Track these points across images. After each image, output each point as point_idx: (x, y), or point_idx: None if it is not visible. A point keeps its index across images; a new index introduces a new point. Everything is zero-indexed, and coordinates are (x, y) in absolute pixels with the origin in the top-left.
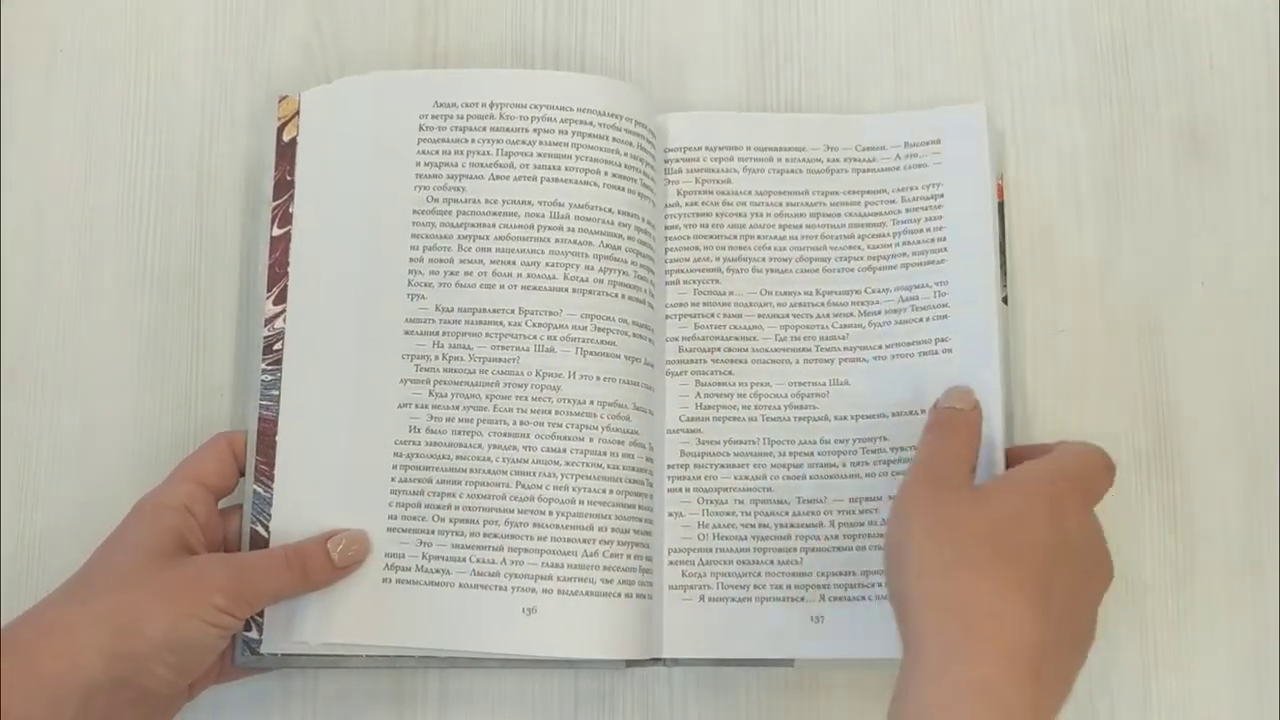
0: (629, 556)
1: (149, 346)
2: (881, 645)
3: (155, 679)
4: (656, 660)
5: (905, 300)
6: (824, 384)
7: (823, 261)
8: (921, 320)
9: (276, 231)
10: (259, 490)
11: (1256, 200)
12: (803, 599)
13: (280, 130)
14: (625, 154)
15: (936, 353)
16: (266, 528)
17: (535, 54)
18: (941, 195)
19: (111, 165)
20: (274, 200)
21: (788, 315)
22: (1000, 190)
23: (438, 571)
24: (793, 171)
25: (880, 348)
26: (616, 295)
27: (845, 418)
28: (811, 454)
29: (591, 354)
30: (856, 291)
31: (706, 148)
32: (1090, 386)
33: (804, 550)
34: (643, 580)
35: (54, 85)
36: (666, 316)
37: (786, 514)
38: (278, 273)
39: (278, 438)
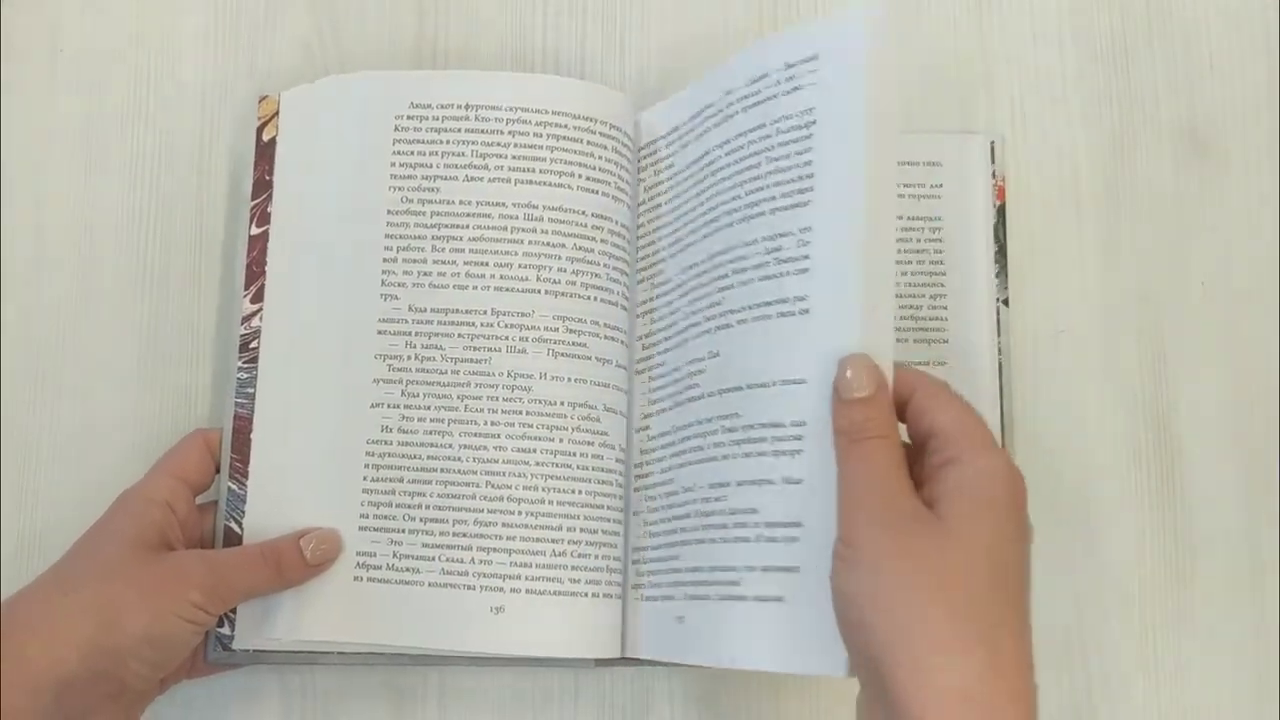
0: (597, 557)
1: (148, 346)
2: (726, 652)
3: (131, 673)
4: (626, 660)
5: (770, 252)
6: (703, 358)
7: (714, 222)
8: (783, 275)
9: (255, 231)
10: (233, 487)
11: (1256, 200)
12: (671, 598)
13: (260, 130)
14: (600, 157)
15: (794, 314)
16: (240, 524)
17: (535, 54)
18: (813, 122)
19: (111, 165)
20: (253, 199)
21: (694, 289)
22: (1001, 192)
23: (408, 570)
24: (710, 129)
25: (744, 309)
26: (589, 298)
27: (713, 394)
28: (690, 437)
29: (563, 355)
30: (733, 248)
31: (663, 136)
32: (1090, 386)
33: (681, 544)
34: (610, 580)
35: (54, 85)
36: (637, 315)
37: (681, 505)
38: (255, 271)
39: (252, 435)
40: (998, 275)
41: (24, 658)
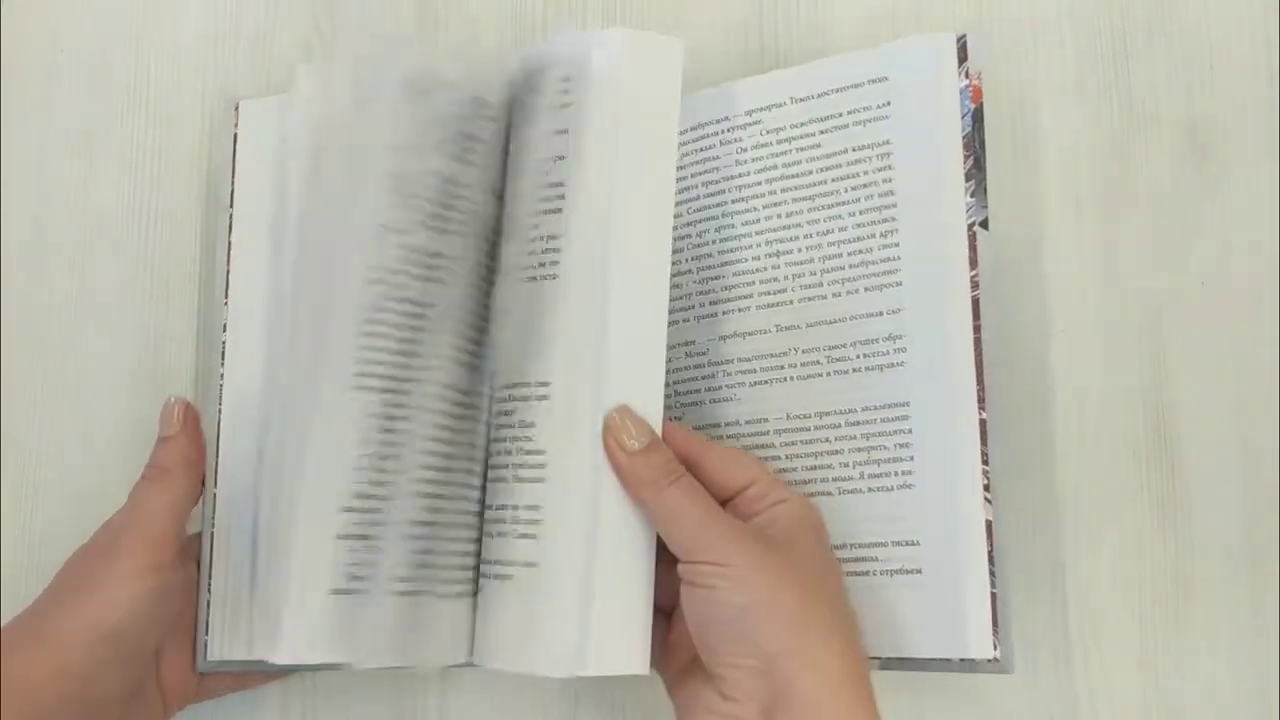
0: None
1: (149, 347)
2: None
3: (103, 681)
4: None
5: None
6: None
7: None
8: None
9: (230, 238)
10: (215, 491)
11: (1256, 200)
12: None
13: (235, 138)
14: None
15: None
16: (213, 529)
17: None
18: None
19: (111, 165)
20: (231, 207)
21: None
22: (977, 92)
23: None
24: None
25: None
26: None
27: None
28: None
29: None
30: None
31: None
32: (1090, 386)
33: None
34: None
35: (54, 85)
36: None
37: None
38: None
39: (220, 437)
40: (972, 194)
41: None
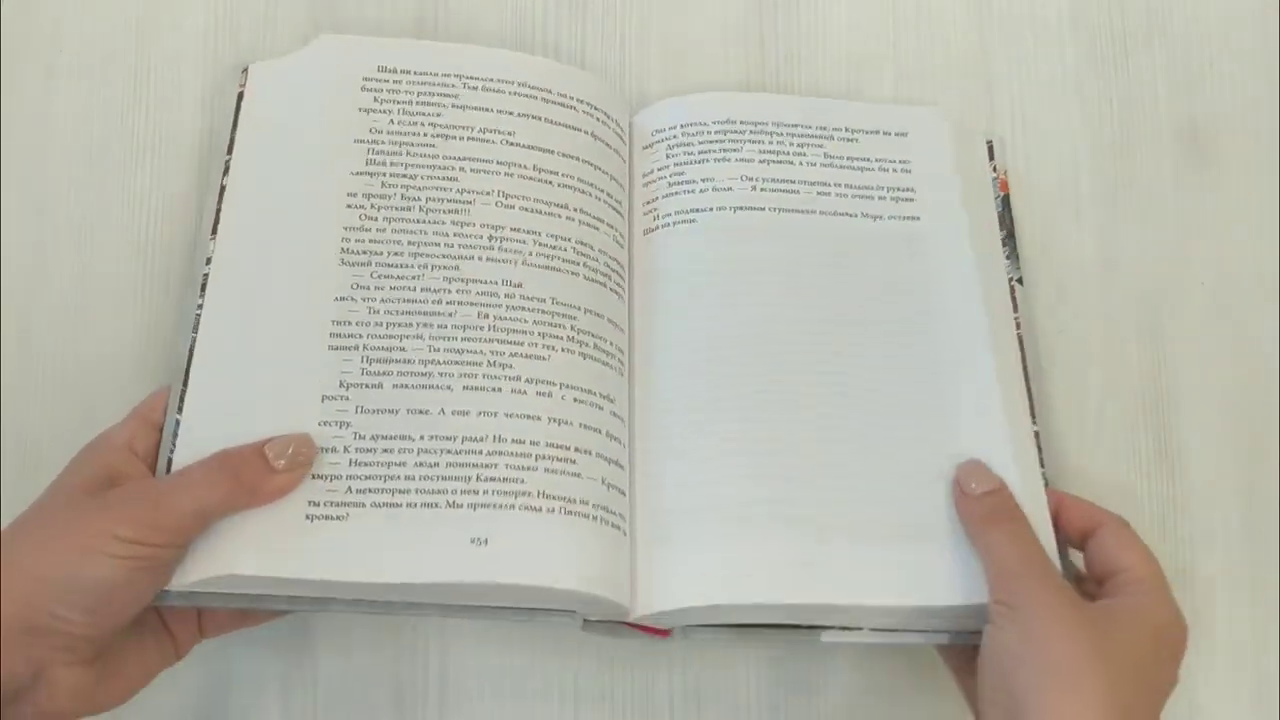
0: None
1: (149, 346)
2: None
3: (68, 623)
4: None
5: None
6: None
7: None
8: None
9: (224, 181)
10: (178, 418)
11: (1256, 200)
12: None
13: (239, 98)
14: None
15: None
16: (173, 451)
17: (535, 50)
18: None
19: (111, 165)
20: (226, 155)
21: None
22: (1004, 184)
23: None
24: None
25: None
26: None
27: None
28: None
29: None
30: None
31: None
32: (1090, 386)
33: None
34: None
35: (54, 85)
36: None
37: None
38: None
39: (193, 356)
40: (1008, 257)
41: None
